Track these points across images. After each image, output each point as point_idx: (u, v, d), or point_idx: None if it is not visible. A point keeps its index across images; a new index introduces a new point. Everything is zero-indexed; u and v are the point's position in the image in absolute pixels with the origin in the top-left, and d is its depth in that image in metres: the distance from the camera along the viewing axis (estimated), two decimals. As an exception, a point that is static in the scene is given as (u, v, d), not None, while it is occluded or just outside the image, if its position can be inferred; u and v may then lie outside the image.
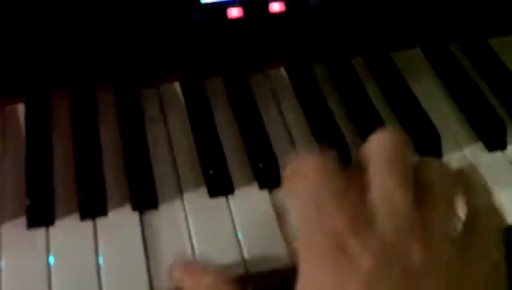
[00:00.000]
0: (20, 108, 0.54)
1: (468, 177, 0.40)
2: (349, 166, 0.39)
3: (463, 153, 0.52)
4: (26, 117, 0.53)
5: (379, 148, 0.37)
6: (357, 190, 0.36)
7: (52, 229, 0.45)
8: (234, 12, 0.52)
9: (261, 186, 0.48)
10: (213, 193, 0.48)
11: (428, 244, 0.33)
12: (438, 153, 0.51)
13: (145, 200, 0.47)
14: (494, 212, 0.38)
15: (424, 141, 0.51)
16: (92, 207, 0.46)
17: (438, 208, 0.36)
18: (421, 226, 0.34)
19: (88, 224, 0.46)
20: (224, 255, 0.44)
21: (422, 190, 0.36)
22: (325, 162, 0.37)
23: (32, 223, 0.46)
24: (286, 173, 0.40)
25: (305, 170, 0.38)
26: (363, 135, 0.51)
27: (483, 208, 0.38)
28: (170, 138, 0.52)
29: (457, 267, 0.34)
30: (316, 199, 0.36)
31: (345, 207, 0.35)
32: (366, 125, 0.52)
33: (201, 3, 0.53)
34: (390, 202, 0.34)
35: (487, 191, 0.39)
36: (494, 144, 0.52)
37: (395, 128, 0.40)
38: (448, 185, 0.37)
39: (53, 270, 0.43)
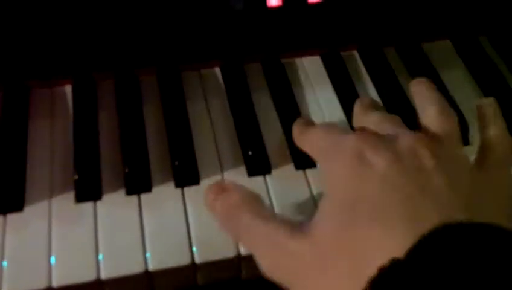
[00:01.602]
0: (68, 89, 0.55)
1: (483, 110, 0.44)
2: None
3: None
4: (74, 97, 0.54)
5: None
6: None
7: (99, 204, 0.47)
8: (273, 1, 0.54)
9: (297, 167, 0.50)
10: (252, 172, 0.50)
11: (438, 156, 0.36)
12: (465, 140, 0.52)
13: (187, 178, 0.49)
14: (507, 143, 0.42)
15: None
16: (137, 183, 0.48)
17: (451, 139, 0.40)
18: (435, 144, 0.37)
19: (133, 199, 0.48)
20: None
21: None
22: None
23: (80, 198, 0.47)
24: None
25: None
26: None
27: (496, 139, 0.42)
28: (211, 119, 0.54)
29: (468, 179, 0.37)
30: (334, 129, 0.41)
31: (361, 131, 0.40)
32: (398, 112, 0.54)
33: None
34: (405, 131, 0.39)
35: (500, 122, 0.43)
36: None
37: None
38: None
39: (100, 242, 0.45)
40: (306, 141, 0.45)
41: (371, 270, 0.30)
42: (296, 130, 0.47)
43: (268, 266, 0.37)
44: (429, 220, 0.32)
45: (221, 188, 0.41)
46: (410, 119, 0.51)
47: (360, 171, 0.36)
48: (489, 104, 0.45)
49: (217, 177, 0.49)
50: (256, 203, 0.40)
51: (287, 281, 0.36)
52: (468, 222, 0.31)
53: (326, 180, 0.39)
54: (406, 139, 0.37)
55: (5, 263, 0.43)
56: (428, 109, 0.42)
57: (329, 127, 0.44)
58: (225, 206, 0.40)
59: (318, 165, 0.49)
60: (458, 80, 0.59)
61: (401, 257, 0.30)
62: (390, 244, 0.32)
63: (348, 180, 0.36)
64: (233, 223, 0.40)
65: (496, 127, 0.43)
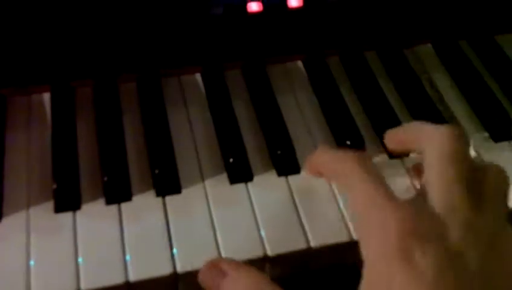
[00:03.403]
0: (46, 97, 0.55)
1: None
2: None
3: (471, 145, 0.53)
4: (52, 105, 0.54)
5: (439, 148, 0.39)
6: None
7: (79, 214, 0.46)
8: (254, 6, 0.54)
9: (279, 174, 0.50)
10: (233, 180, 0.49)
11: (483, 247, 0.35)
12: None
13: (168, 186, 0.48)
14: None
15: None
16: (117, 192, 0.47)
17: (493, 213, 0.37)
18: (478, 230, 0.35)
19: (113, 208, 0.47)
20: (244, 238, 0.45)
21: (479, 192, 0.37)
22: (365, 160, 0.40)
23: (59, 208, 0.47)
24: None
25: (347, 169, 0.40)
26: (377, 126, 0.53)
27: None
28: (191, 126, 0.53)
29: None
30: (374, 199, 0.37)
31: (403, 209, 0.36)
32: (380, 117, 0.54)
33: (222, -3, 0.54)
34: (452, 210, 0.36)
35: None
36: (500, 135, 0.54)
37: (454, 126, 0.41)
38: (503, 193, 0.39)
39: (80, 253, 0.44)
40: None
41: None
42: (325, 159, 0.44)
43: None
44: None
45: (220, 272, 0.39)
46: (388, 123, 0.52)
47: (406, 274, 0.34)
48: None
49: (198, 186, 0.49)
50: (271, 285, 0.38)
51: None
52: None
53: (364, 256, 0.36)
54: (456, 234, 0.35)
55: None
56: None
57: (371, 178, 0.39)
58: None
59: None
60: (438, 83, 0.59)
61: None
62: None
63: (391, 283, 0.34)
64: None
65: None
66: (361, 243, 0.37)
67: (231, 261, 0.40)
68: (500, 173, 0.40)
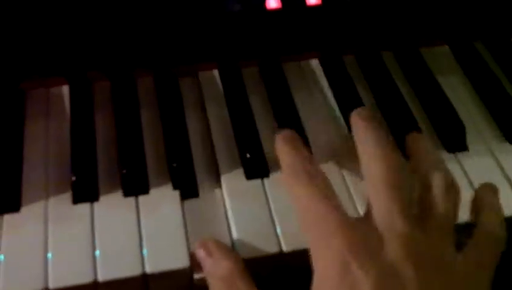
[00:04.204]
0: (64, 90, 0.55)
1: (482, 198, 0.43)
2: None
3: (486, 146, 0.53)
4: (71, 98, 0.54)
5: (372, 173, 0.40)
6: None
7: (96, 205, 0.47)
8: (273, 3, 0.54)
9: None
10: (250, 176, 0.50)
11: (422, 265, 0.35)
12: (462, 144, 0.53)
13: (184, 180, 0.49)
14: (500, 240, 0.40)
15: (450, 133, 0.53)
16: (135, 185, 0.48)
17: (437, 232, 0.38)
18: (420, 249, 0.36)
19: (130, 201, 0.47)
20: (259, 233, 0.46)
21: (424, 210, 0.39)
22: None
23: (77, 199, 0.47)
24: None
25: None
26: (394, 126, 0.54)
27: (490, 233, 0.40)
28: (208, 122, 0.54)
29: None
30: (323, 224, 0.38)
31: (348, 225, 0.37)
32: (396, 117, 0.55)
33: (240, -6, 0.55)
34: (391, 227, 0.37)
35: (497, 216, 0.42)
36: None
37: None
38: (450, 211, 0.39)
39: (97, 244, 0.44)
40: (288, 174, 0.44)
41: None
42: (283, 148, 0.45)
43: None
44: None
45: (207, 251, 0.43)
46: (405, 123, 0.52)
47: (346, 284, 0.35)
48: (489, 193, 0.44)
49: (215, 181, 0.49)
50: (246, 275, 0.41)
51: None
52: None
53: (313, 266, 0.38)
54: (392, 249, 0.36)
55: (1, 264, 0.43)
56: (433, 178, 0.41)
57: (314, 180, 0.41)
58: (217, 275, 0.42)
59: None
60: (455, 84, 0.59)
61: None
62: None
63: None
64: None
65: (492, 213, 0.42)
66: (311, 256, 0.38)
67: (217, 243, 0.44)
68: (448, 187, 0.40)
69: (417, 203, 0.39)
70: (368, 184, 0.40)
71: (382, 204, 0.38)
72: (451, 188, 0.41)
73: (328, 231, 0.37)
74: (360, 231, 0.37)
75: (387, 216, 0.37)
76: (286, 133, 0.46)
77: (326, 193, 0.40)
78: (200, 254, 0.43)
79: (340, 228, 0.37)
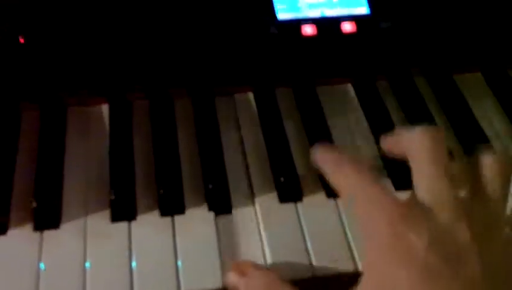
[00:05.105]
0: (104, 108, 0.57)
1: None
2: None
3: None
4: (110, 117, 0.56)
5: (421, 147, 0.39)
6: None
7: (134, 224, 0.48)
8: (308, 30, 0.55)
9: (329, 195, 0.51)
10: (283, 199, 0.50)
11: (475, 226, 0.36)
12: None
13: (219, 202, 0.50)
14: None
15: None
16: (171, 205, 0.49)
17: (488, 202, 0.38)
18: (471, 213, 0.37)
19: (167, 220, 0.49)
20: (292, 257, 0.47)
21: (476, 183, 0.39)
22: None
23: (115, 217, 0.49)
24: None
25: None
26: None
27: None
28: (243, 144, 0.55)
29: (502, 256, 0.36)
30: (372, 203, 0.38)
31: (396, 203, 0.38)
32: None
33: (278, 20, 0.56)
34: (440, 202, 0.37)
35: None
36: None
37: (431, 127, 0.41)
38: (500, 184, 0.39)
39: (134, 262, 0.46)
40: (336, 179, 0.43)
41: None
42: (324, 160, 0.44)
43: None
44: None
45: (241, 272, 0.43)
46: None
47: (398, 254, 0.36)
48: None
49: (248, 203, 0.50)
50: (285, 283, 0.41)
51: None
52: None
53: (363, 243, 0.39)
54: (443, 215, 0.36)
55: (41, 278, 0.45)
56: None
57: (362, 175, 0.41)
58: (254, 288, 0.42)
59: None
60: (487, 110, 0.60)
61: None
62: None
63: (385, 265, 0.36)
64: None
65: None
66: (364, 240, 0.39)
67: (250, 263, 0.45)
68: (497, 162, 0.40)
69: (467, 181, 0.40)
70: (412, 169, 0.40)
71: (426, 182, 0.38)
72: (498, 162, 0.40)
73: (380, 206, 0.38)
74: (411, 203, 0.38)
75: (437, 190, 0.38)
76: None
77: (375, 177, 0.40)
78: (233, 277, 0.44)
79: (394, 203, 0.38)
